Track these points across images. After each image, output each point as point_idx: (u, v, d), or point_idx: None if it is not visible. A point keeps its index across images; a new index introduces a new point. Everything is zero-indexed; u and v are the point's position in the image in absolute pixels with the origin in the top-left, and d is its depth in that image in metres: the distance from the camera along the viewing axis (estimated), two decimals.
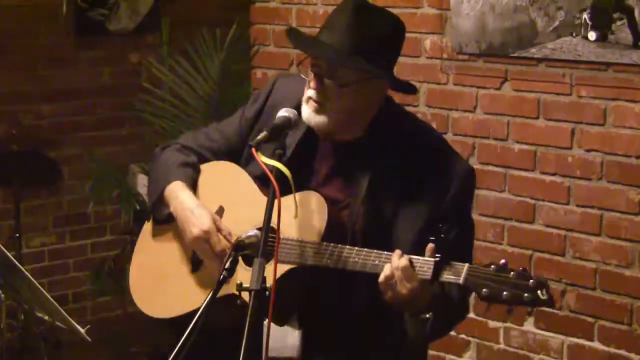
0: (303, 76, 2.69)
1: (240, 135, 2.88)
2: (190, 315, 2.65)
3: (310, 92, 2.64)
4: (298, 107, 2.69)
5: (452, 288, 2.58)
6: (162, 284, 2.84)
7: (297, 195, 2.60)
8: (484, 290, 2.36)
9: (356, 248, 2.54)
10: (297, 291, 2.61)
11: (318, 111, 2.63)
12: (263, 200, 2.58)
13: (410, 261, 2.46)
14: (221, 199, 2.79)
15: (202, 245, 2.70)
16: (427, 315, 2.51)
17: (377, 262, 2.51)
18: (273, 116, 2.72)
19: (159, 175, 2.87)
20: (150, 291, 2.86)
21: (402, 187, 2.64)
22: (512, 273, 2.35)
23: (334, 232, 2.60)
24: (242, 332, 2.31)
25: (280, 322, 2.66)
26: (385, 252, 2.51)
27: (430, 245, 2.45)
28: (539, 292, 2.33)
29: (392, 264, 2.46)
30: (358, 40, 2.60)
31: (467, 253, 2.68)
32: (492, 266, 2.38)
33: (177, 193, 2.79)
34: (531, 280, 2.33)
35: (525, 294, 2.33)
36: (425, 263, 2.44)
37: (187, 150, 2.91)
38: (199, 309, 2.55)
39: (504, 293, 2.34)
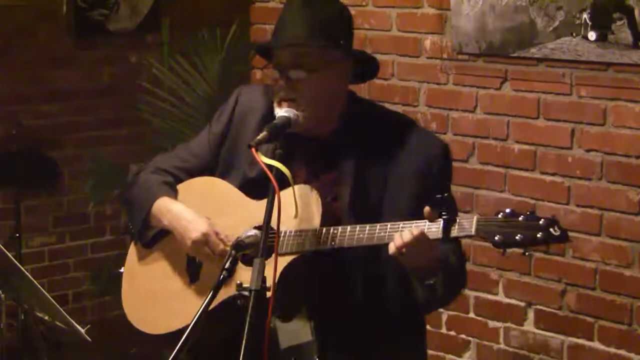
0: (270, 75, 2.72)
1: (211, 151, 2.89)
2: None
3: (280, 93, 2.68)
4: (266, 114, 2.73)
5: (449, 255, 2.62)
6: (161, 301, 2.85)
7: (288, 191, 2.59)
8: (497, 236, 2.38)
9: (358, 226, 2.56)
10: (301, 284, 2.62)
11: (291, 108, 2.66)
12: (251, 203, 2.65)
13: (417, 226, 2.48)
14: (205, 212, 2.79)
15: (202, 248, 2.72)
16: (432, 281, 2.54)
17: (382, 233, 2.53)
18: (242, 127, 2.78)
19: (141, 198, 2.88)
20: (150, 312, 2.86)
21: (385, 171, 2.68)
22: (521, 217, 2.38)
23: (328, 222, 2.62)
24: (241, 336, 2.31)
25: (287, 318, 2.67)
26: (389, 223, 2.53)
27: (427, 209, 2.46)
28: (551, 229, 2.35)
29: (404, 236, 2.48)
30: (312, 25, 2.65)
31: None
32: (500, 214, 2.40)
33: (169, 207, 2.81)
34: (542, 220, 2.36)
35: (539, 234, 2.35)
36: (432, 225, 2.46)
37: (161, 171, 2.92)
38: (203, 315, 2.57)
39: (518, 236, 2.36)
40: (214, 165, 2.87)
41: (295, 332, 2.68)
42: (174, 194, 2.85)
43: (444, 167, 2.75)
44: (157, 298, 2.86)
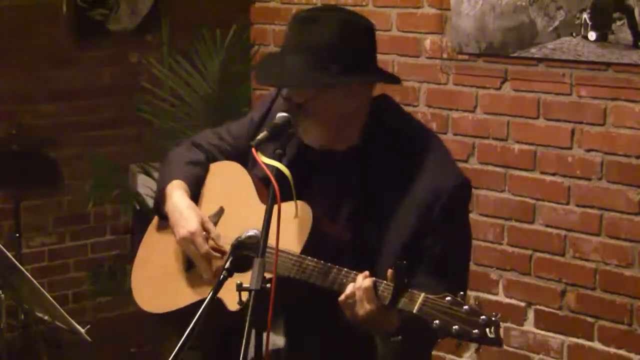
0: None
1: (247, 137, 2.84)
2: (177, 312, 2.71)
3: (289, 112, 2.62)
4: None
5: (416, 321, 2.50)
6: (159, 279, 2.86)
7: (286, 204, 2.52)
8: (436, 322, 2.34)
9: (328, 264, 2.51)
10: (282, 296, 2.57)
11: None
12: (257, 206, 2.64)
13: (375, 284, 2.42)
14: (223, 199, 2.79)
15: (188, 246, 2.71)
16: (396, 339, 2.47)
17: (344, 280, 2.48)
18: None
19: (164, 173, 2.89)
20: (147, 285, 2.87)
21: (392, 198, 2.59)
22: (464, 308, 2.33)
23: (318, 244, 2.57)
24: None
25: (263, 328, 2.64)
26: (354, 272, 2.47)
27: (390, 271, 2.40)
28: (487, 330, 2.31)
29: (355, 284, 2.44)
30: (308, 54, 2.54)
31: (457, 267, 2.63)
32: (448, 298, 2.35)
33: (172, 193, 2.79)
34: (482, 317, 2.31)
35: (474, 331, 2.32)
36: (387, 288, 2.41)
37: (196, 148, 2.91)
38: (186, 306, 2.65)
39: (454, 327, 2.33)
40: (247, 150, 2.78)
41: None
42: (194, 175, 2.83)
43: (450, 207, 2.57)
44: (156, 275, 2.86)
